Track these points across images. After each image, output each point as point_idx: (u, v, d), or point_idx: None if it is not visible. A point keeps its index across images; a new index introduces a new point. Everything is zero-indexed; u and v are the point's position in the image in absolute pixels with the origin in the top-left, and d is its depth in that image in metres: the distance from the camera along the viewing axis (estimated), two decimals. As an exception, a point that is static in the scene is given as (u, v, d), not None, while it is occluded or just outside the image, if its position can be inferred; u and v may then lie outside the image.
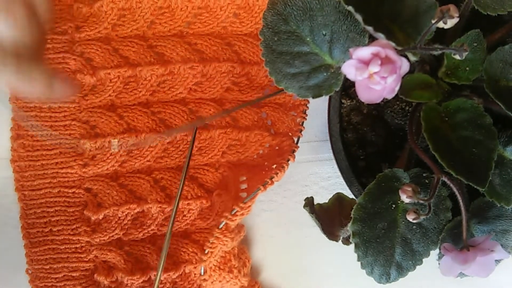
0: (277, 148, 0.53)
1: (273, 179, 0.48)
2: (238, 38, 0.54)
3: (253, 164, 0.53)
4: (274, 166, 0.49)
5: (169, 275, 0.51)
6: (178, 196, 0.49)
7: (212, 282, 0.51)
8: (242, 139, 0.53)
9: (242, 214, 0.49)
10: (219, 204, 0.51)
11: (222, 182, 0.53)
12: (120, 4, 0.52)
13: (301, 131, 0.51)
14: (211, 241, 0.49)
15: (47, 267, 0.51)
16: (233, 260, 0.51)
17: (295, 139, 0.51)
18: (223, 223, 0.48)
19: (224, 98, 0.54)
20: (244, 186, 0.51)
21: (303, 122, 0.51)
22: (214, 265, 0.50)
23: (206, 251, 0.50)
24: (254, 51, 0.54)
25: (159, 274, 0.48)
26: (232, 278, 0.51)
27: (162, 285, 0.52)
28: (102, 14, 0.52)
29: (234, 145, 0.54)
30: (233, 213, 0.48)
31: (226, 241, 0.49)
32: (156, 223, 0.52)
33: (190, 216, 0.53)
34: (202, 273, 0.51)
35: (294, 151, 0.49)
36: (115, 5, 0.52)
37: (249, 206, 0.49)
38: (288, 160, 0.49)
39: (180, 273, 0.52)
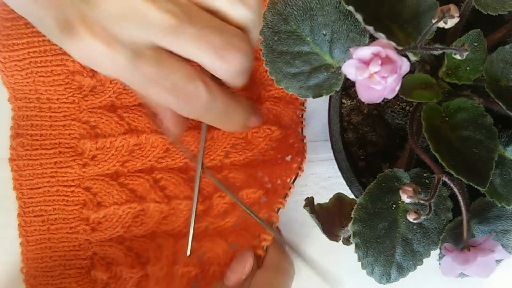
0: (284, 140, 0.53)
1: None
2: None
3: (263, 159, 0.53)
4: (289, 157, 0.51)
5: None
6: (196, 193, 0.50)
7: None
8: (248, 136, 0.53)
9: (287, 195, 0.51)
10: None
11: (245, 182, 0.53)
12: None
13: (302, 122, 0.53)
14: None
15: (43, 265, 0.51)
16: None
17: (300, 130, 0.53)
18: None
19: None
20: (266, 179, 0.52)
21: (302, 114, 0.53)
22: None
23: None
24: None
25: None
26: None
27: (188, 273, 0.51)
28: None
29: (239, 144, 0.53)
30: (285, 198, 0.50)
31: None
32: (154, 221, 0.52)
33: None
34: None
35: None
36: None
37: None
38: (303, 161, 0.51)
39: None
